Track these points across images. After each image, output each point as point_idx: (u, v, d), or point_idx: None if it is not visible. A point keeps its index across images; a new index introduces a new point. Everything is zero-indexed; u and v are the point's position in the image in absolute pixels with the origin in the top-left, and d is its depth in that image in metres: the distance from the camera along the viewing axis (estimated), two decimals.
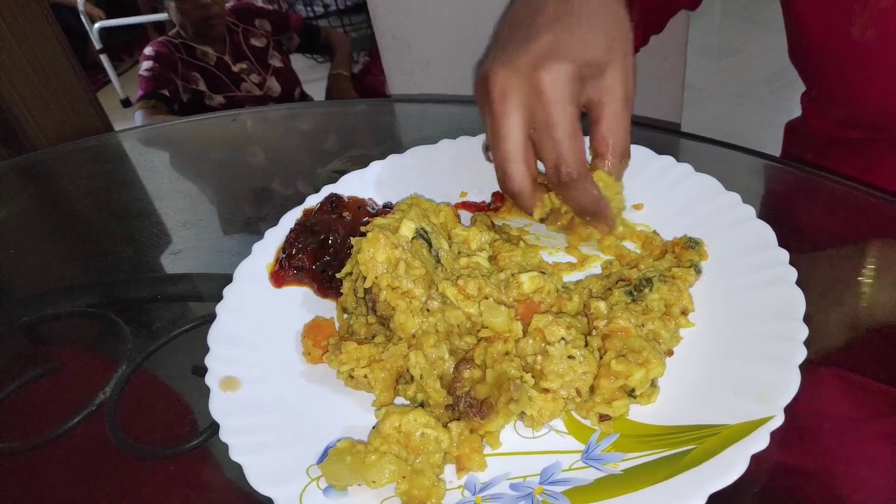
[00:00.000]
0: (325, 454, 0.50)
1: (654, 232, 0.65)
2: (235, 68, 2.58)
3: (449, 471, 0.49)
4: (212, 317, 0.60)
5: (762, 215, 0.60)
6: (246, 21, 2.65)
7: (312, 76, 3.46)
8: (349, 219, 0.67)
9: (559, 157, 0.59)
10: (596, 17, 0.62)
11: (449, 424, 0.49)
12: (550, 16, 0.62)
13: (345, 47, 2.87)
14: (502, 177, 0.62)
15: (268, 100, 2.63)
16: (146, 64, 2.47)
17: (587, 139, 0.62)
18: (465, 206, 0.72)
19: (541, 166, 0.63)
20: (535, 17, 0.63)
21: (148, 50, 2.51)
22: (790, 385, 0.46)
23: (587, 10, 0.62)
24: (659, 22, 1.00)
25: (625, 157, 0.63)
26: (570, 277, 0.62)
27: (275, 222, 0.70)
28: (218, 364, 0.56)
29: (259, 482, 0.47)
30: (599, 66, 0.60)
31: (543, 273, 0.57)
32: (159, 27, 4.37)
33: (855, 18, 0.75)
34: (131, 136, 1.19)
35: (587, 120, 0.63)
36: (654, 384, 0.50)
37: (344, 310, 0.62)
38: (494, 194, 0.72)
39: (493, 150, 0.62)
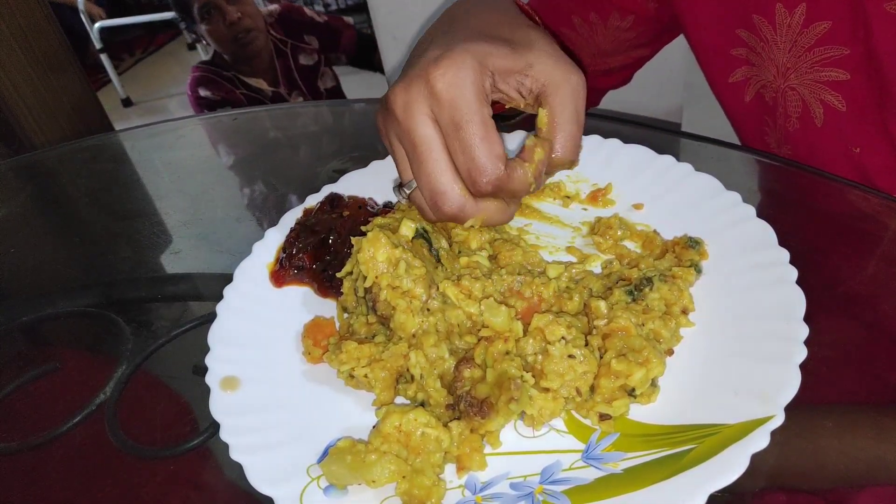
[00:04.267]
0: (325, 453, 0.50)
1: (655, 231, 0.65)
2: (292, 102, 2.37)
3: (449, 470, 0.49)
4: (212, 316, 0.60)
5: (762, 215, 0.60)
6: (295, 36, 2.40)
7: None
8: (349, 218, 0.67)
9: (472, 165, 0.52)
10: (489, 18, 0.60)
11: (449, 424, 0.49)
12: (440, 35, 0.60)
13: None
14: (434, 199, 0.55)
15: None
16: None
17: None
18: None
19: None
20: (428, 41, 0.61)
21: (205, 92, 2.29)
22: (790, 385, 0.46)
23: (482, 17, 0.60)
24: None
25: (576, 144, 0.58)
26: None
27: (275, 222, 0.70)
28: (218, 364, 0.56)
29: (259, 482, 0.47)
30: (512, 52, 0.56)
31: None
32: (159, 27, 4.37)
33: (769, 130, 0.76)
34: (131, 136, 1.19)
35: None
36: (654, 384, 0.50)
37: (344, 309, 0.62)
38: None
39: (415, 172, 0.55)
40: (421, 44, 0.65)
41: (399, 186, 0.59)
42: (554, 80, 0.57)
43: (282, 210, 0.71)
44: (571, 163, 0.60)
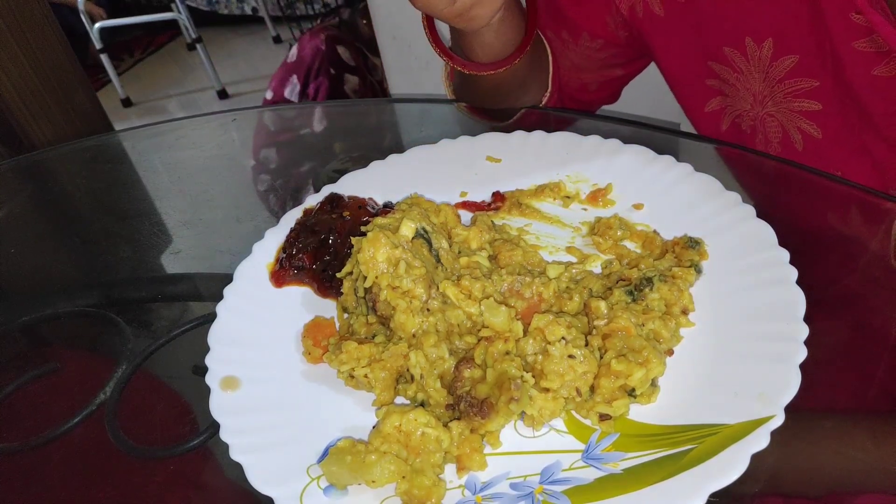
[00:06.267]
0: (325, 453, 0.50)
1: (655, 232, 0.65)
2: None
3: (449, 470, 0.49)
4: (212, 316, 0.60)
5: (762, 215, 0.60)
6: None
7: None
8: (349, 218, 0.67)
9: None
10: None
11: (449, 424, 0.49)
12: None
13: None
14: None
15: None
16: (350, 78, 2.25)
17: None
18: (465, 206, 0.72)
19: None
20: None
21: (344, 52, 2.17)
22: (790, 385, 0.46)
23: None
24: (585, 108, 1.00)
25: None
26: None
27: (275, 222, 0.70)
28: (218, 364, 0.56)
29: (259, 482, 0.47)
30: None
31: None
32: (159, 27, 4.37)
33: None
34: (131, 136, 1.19)
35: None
36: (654, 384, 0.50)
37: (344, 309, 0.62)
38: (494, 194, 0.72)
39: None
40: None
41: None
42: None
43: (282, 210, 0.71)
44: None
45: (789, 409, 0.45)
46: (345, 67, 2.28)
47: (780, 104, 0.69)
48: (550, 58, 0.88)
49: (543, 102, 0.88)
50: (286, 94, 2.39)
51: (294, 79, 2.37)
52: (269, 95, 2.52)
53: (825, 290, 0.59)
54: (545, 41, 0.88)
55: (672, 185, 0.67)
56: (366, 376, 0.53)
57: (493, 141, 0.78)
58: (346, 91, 2.28)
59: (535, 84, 0.88)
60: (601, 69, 0.89)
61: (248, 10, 4.48)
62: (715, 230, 0.61)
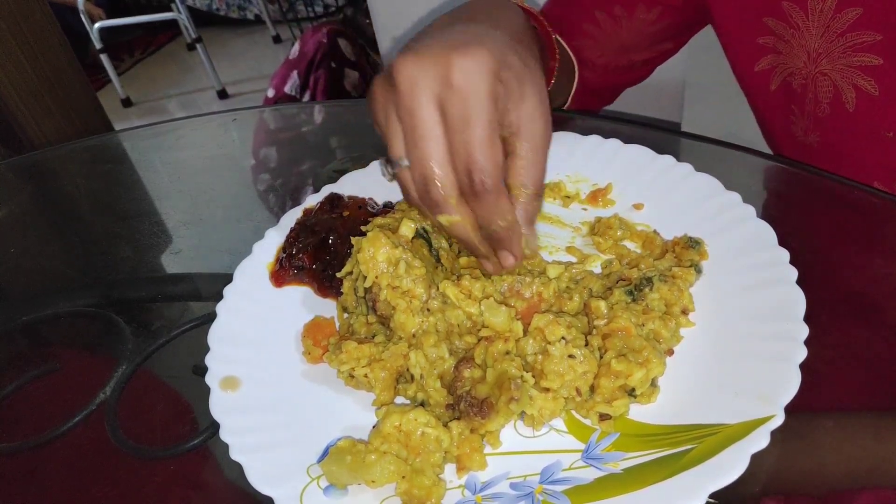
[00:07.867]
0: (325, 453, 0.50)
1: (655, 232, 0.65)
2: None
3: (449, 470, 0.49)
4: (212, 316, 0.60)
5: (762, 215, 0.60)
6: None
7: None
8: (349, 218, 0.67)
9: (473, 161, 0.51)
10: (509, 30, 0.58)
11: (449, 424, 0.49)
12: (465, 23, 0.58)
13: None
14: (425, 182, 0.53)
15: None
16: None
17: None
18: None
19: None
20: (446, 26, 0.58)
21: (346, 46, 2.15)
22: (790, 385, 0.46)
23: (501, 26, 0.58)
24: (600, 100, 0.99)
25: (538, 198, 0.56)
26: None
27: (275, 222, 0.70)
28: (218, 363, 0.56)
29: (259, 481, 0.47)
30: (518, 77, 0.54)
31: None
32: (159, 27, 4.37)
33: (794, 119, 0.76)
34: (131, 136, 1.19)
35: None
36: (654, 384, 0.50)
37: (344, 309, 0.62)
38: None
39: (410, 152, 0.53)
40: (438, 26, 0.61)
41: (387, 162, 0.57)
42: (535, 126, 0.55)
43: (282, 210, 0.71)
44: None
45: (789, 409, 0.45)
46: (345, 62, 2.26)
47: (837, 60, 0.68)
48: (577, 71, 0.88)
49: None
50: (287, 89, 2.38)
51: (294, 74, 2.36)
52: (270, 94, 2.53)
53: (825, 290, 0.58)
54: (571, 54, 0.87)
55: (672, 185, 0.67)
56: (366, 376, 0.53)
57: None
58: (346, 86, 2.26)
59: (558, 99, 0.88)
60: (653, 44, 0.89)
61: (251, 17, 4.48)
62: (715, 230, 0.61)
